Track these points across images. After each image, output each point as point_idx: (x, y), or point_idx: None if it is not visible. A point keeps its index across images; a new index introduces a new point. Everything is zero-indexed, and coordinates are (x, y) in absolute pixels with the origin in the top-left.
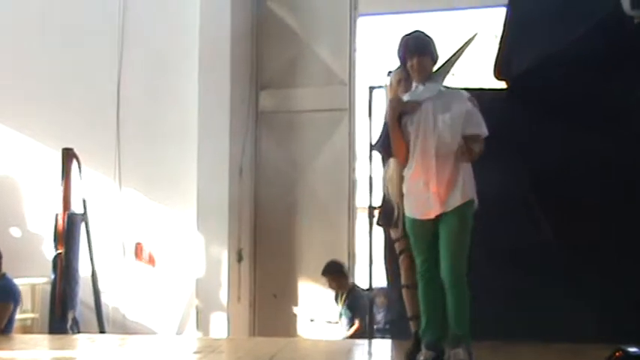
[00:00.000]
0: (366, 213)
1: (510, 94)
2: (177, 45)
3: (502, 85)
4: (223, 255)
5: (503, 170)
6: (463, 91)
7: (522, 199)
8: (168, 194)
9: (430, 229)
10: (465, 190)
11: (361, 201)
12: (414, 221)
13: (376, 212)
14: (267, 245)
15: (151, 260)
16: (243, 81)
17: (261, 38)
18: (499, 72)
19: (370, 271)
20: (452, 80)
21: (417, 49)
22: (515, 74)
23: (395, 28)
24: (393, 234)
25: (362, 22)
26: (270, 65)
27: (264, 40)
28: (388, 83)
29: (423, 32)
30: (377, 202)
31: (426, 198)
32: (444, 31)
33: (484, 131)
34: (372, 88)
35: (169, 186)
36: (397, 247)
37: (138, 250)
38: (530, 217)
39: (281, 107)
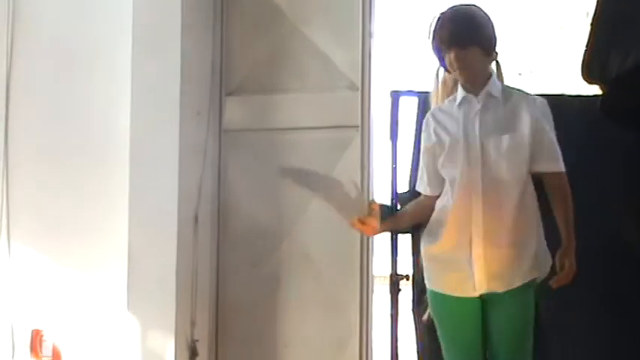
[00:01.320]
0: (387, 285)
1: (606, 103)
2: (98, 34)
3: (594, 90)
4: (168, 349)
5: (598, 205)
6: (535, 97)
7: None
8: (82, 257)
9: (471, 311)
10: (537, 259)
11: (380, 267)
12: (444, 300)
13: (405, 284)
14: (234, 335)
15: (56, 356)
16: (200, 84)
17: (229, 20)
18: (589, 72)
19: None
20: (518, 81)
21: (452, 38)
22: (615, 76)
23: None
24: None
25: None
26: (241, 60)
27: (232, 24)
28: (434, 88)
29: (467, 6)
30: (406, 268)
31: (464, 265)
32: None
33: (561, 166)
34: (396, 95)
35: (85, 244)
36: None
37: (35, 341)
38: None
39: (257, 123)
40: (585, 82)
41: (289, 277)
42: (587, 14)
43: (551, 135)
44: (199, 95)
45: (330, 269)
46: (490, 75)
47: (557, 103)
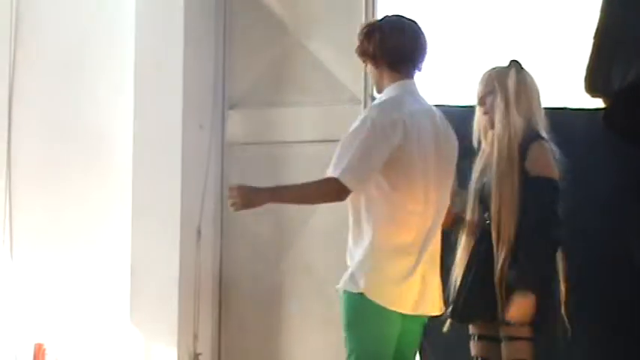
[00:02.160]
0: None
1: (609, 116)
2: (102, 47)
3: (597, 103)
4: None
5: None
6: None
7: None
8: (85, 270)
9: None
10: None
11: None
12: (391, 316)
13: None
14: (237, 349)
15: None
16: (203, 97)
17: (231, 34)
18: (592, 85)
19: None
20: None
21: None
22: (618, 88)
23: (442, 9)
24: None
25: (386, 5)
26: (243, 74)
27: (235, 37)
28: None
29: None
30: None
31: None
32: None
33: (330, 172)
34: None
35: (88, 257)
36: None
37: (37, 355)
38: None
39: (260, 136)
40: (588, 96)
41: (291, 291)
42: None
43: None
44: (202, 108)
45: (331, 282)
46: (386, 86)
47: (560, 116)
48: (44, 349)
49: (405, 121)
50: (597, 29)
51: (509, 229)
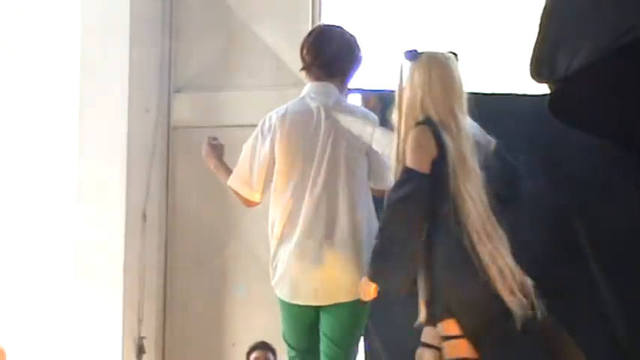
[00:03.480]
0: None
1: (554, 102)
2: (46, 31)
3: (542, 88)
4: (115, 347)
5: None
6: None
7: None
8: (29, 253)
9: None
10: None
11: None
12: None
13: None
14: (181, 333)
15: (1, 353)
16: (149, 81)
17: (178, 18)
18: (538, 71)
19: None
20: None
21: None
22: (564, 74)
23: None
24: None
25: None
26: (190, 58)
27: (182, 21)
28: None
29: None
30: None
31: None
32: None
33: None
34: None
35: (32, 241)
36: None
37: None
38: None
39: (206, 120)
40: (534, 81)
41: (236, 276)
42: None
43: None
44: (148, 92)
45: None
46: None
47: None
48: None
49: (276, 122)
50: (543, 13)
51: None
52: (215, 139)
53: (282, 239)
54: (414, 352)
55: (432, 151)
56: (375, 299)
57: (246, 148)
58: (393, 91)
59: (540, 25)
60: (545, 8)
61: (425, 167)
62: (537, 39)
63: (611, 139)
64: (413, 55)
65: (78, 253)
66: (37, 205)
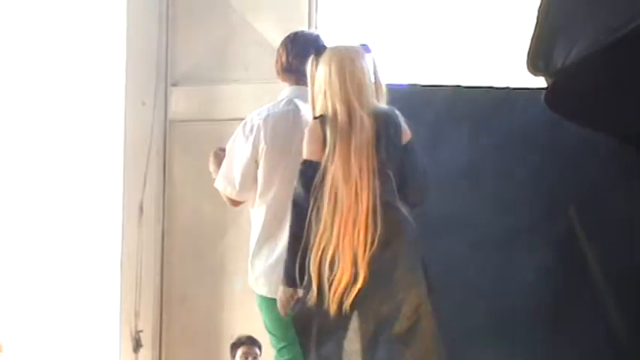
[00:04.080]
0: None
1: (550, 95)
2: (43, 22)
3: (539, 82)
4: (112, 340)
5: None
6: None
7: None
8: (26, 247)
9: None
10: None
11: None
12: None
13: None
14: (179, 327)
15: None
16: (145, 74)
17: (175, 11)
18: (534, 64)
19: None
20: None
21: None
22: (560, 67)
23: None
24: None
25: None
26: (187, 51)
27: (179, 14)
28: None
29: None
30: None
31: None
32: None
33: None
34: None
35: (28, 234)
36: None
37: None
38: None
39: (202, 113)
40: (531, 74)
41: (234, 268)
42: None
43: None
44: (145, 85)
45: None
46: None
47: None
48: None
49: (259, 124)
50: (541, 6)
51: None
52: (223, 149)
53: (264, 239)
54: None
55: (322, 145)
56: None
57: (229, 150)
58: (393, 85)
59: (538, 17)
60: (542, 1)
61: (319, 157)
62: (534, 32)
63: (609, 132)
64: (317, 49)
65: (75, 246)
66: (33, 198)
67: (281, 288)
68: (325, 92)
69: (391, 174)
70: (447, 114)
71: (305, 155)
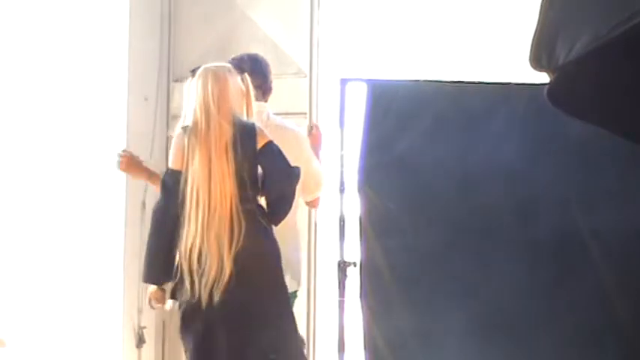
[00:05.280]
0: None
1: (553, 92)
2: (45, 18)
3: (542, 77)
4: (115, 337)
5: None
6: None
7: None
8: (29, 243)
9: None
10: None
11: (327, 255)
12: None
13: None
14: None
15: (0, 342)
16: (148, 70)
17: (177, 7)
18: (537, 58)
19: None
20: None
21: None
22: (563, 63)
23: None
24: None
25: None
26: (189, 46)
27: (181, 10)
28: None
29: None
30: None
31: None
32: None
33: None
34: (344, 82)
35: (31, 230)
36: None
37: None
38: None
39: None
40: (534, 69)
41: None
42: None
43: None
44: (147, 81)
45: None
46: None
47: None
48: None
49: None
50: (543, 1)
51: None
52: (125, 150)
53: None
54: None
55: (183, 154)
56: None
57: None
58: (399, 81)
59: (540, 11)
60: None
61: (180, 166)
62: (537, 26)
63: (612, 128)
64: (192, 70)
65: (77, 242)
66: (35, 194)
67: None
68: (191, 104)
69: (246, 177)
70: (450, 109)
71: (169, 164)
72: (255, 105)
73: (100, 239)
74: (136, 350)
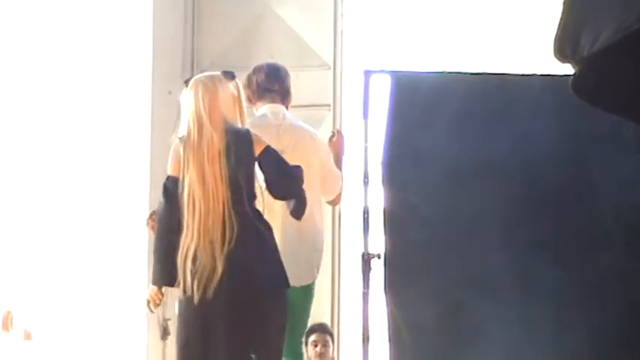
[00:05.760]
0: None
1: (577, 82)
2: (68, 14)
3: (566, 69)
4: (140, 328)
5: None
6: None
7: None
8: (55, 238)
9: None
10: None
11: (350, 249)
12: None
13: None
14: None
15: (26, 336)
16: (172, 63)
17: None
18: (561, 49)
19: None
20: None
21: None
22: (587, 54)
23: None
24: None
25: None
26: (213, 40)
27: (205, 2)
28: None
29: None
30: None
31: None
32: None
33: None
34: (368, 73)
35: (56, 226)
36: None
37: (6, 322)
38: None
39: None
40: (558, 61)
41: None
42: None
43: None
44: (171, 74)
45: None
46: None
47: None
48: (12, 316)
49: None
50: None
51: None
52: (154, 211)
53: None
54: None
55: (180, 162)
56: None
57: None
58: (423, 73)
59: (564, 3)
60: None
61: (178, 172)
62: (561, 18)
63: (636, 119)
64: (185, 81)
65: (102, 235)
66: (62, 187)
67: (150, 286)
68: (185, 115)
69: (242, 181)
70: (473, 100)
71: (168, 171)
72: (265, 108)
73: (124, 231)
74: (160, 342)
